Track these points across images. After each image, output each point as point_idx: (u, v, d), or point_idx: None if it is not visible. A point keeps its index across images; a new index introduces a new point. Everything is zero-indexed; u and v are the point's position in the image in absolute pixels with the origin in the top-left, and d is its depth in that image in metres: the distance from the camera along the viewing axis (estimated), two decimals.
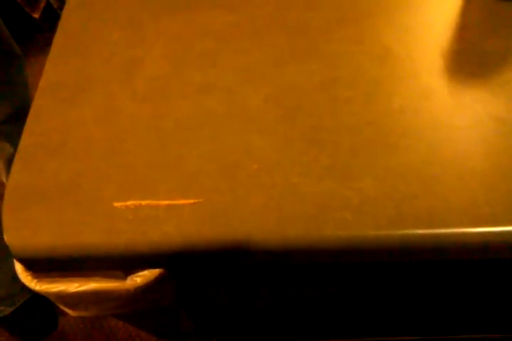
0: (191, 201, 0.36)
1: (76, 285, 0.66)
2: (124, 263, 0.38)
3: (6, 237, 0.35)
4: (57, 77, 0.45)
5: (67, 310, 0.73)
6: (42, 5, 1.67)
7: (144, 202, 0.36)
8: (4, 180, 1.06)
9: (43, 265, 0.37)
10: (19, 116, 0.94)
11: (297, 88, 0.43)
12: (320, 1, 0.50)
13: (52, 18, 1.63)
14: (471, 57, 0.43)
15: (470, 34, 0.45)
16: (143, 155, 0.39)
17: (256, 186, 0.37)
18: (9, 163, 1.00)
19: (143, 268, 0.49)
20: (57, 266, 0.37)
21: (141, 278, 0.65)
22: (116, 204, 0.36)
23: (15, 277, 0.83)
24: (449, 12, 0.47)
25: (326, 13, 0.49)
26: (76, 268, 0.39)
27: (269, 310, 0.65)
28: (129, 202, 0.36)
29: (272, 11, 0.50)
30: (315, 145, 0.38)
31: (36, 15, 1.68)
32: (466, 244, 0.33)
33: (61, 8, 1.16)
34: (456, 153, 0.37)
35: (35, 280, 0.67)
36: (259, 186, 0.37)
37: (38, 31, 1.65)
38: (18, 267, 0.69)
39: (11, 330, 0.94)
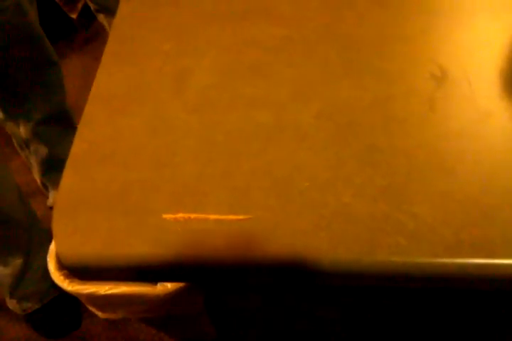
0: (240, 217, 0.36)
1: (107, 287, 0.66)
2: (167, 275, 0.38)
3: (55, 243, 0.35)
4: (108, 86, 0.45)
5: (95, 311, 0.73)
6: (79, 5, 1.71)
7: (193, 216, 0.36)
8: (37, 178, 1.08)
9: (89, 273, 0.37)
10: (54, 119, 0.97)
11: (349, 105, 0.42)
12: (372, 17, 0.50)
13: (88, 18, 1.66)
14: None
15: None
16: (192, 167, 0.39)
17: (307, 204, 0.36)
18: (43, 162, 1.02)
19: (184, 281, 0.49)
20: (102, 275, 0.37)
21: (172, 284, 0.65)
22: (165, 216, 0.36)
23: (44, 275, 0.84)
24: (506, 32, 0.46)
25: (379, 29, 0.48)
26: (119, 278, 0.39)
27: (297, 325, 0.64)
28: (178, 215, 0.36)
29: (324, 25, 0.49)
30: (369, 165, 0.38)
31: (74, 16, 1.71)
32: None
33: (98, 10, 1.18)
34: None
35: (67, 281, 0.68)
36: (310, 205, 0.36)
37: (74, 31, 1.68)
38: (51, 266, 0.70)
39: (36, 326, 0.96)
